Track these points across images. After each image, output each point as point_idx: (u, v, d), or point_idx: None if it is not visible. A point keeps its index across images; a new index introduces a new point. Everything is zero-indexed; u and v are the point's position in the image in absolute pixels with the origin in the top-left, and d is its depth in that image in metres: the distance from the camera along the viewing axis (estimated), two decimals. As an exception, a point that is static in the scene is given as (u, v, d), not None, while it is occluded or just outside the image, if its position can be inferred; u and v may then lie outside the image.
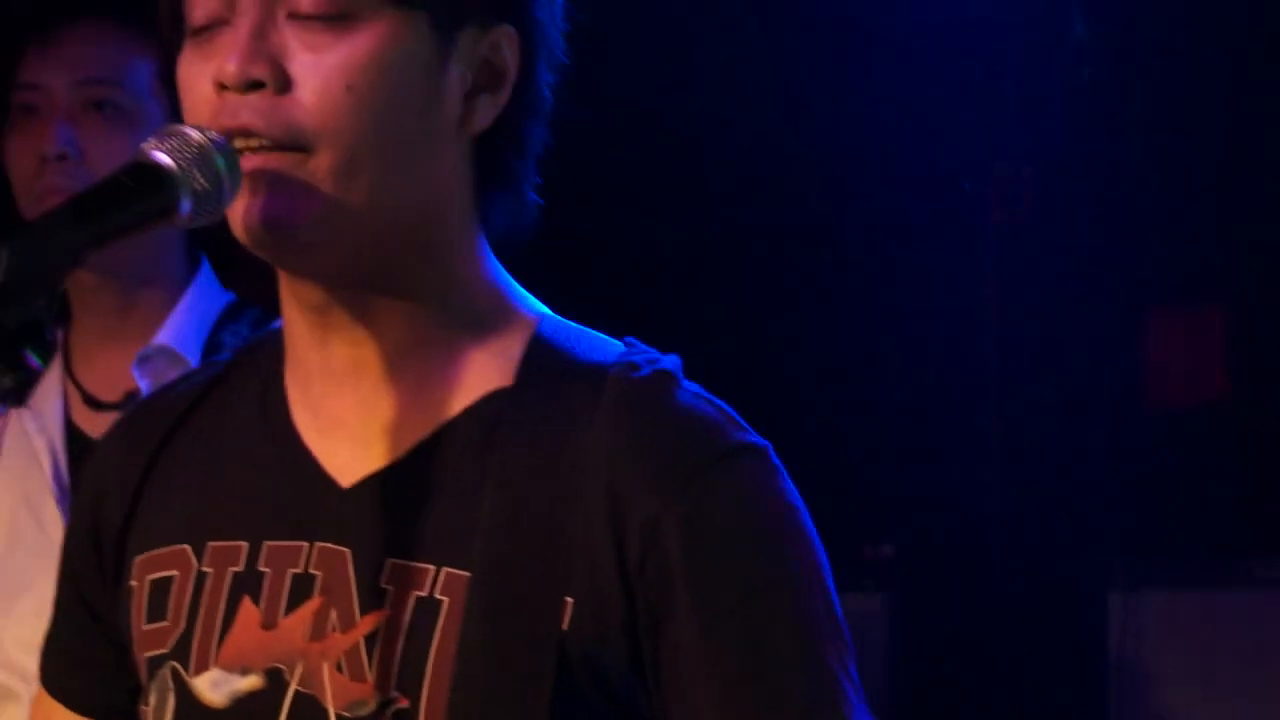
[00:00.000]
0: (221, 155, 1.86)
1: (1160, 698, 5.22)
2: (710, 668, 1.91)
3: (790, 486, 1.99)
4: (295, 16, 1.91)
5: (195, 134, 1.86)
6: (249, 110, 1.89)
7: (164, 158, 1.83)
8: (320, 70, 1.91)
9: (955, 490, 5.85)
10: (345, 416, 2.03)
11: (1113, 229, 5.74)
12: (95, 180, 3.22)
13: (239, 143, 1.89)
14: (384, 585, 1.97)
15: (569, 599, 1.91)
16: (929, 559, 5.67)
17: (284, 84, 1.91)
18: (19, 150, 3.46)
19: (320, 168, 1.92)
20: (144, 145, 1.85)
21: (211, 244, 3.58)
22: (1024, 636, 5.67)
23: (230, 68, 1.89)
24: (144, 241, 3.31)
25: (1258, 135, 5.58)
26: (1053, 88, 5.75)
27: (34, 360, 1.71)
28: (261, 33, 1.91)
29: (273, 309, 2.23)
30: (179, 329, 3.51)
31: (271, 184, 1.90)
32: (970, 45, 5.75)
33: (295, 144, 1.91)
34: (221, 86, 1.90)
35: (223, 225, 1.98)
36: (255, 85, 1.89)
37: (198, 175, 1.84)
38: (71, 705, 2.22)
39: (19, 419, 3.56)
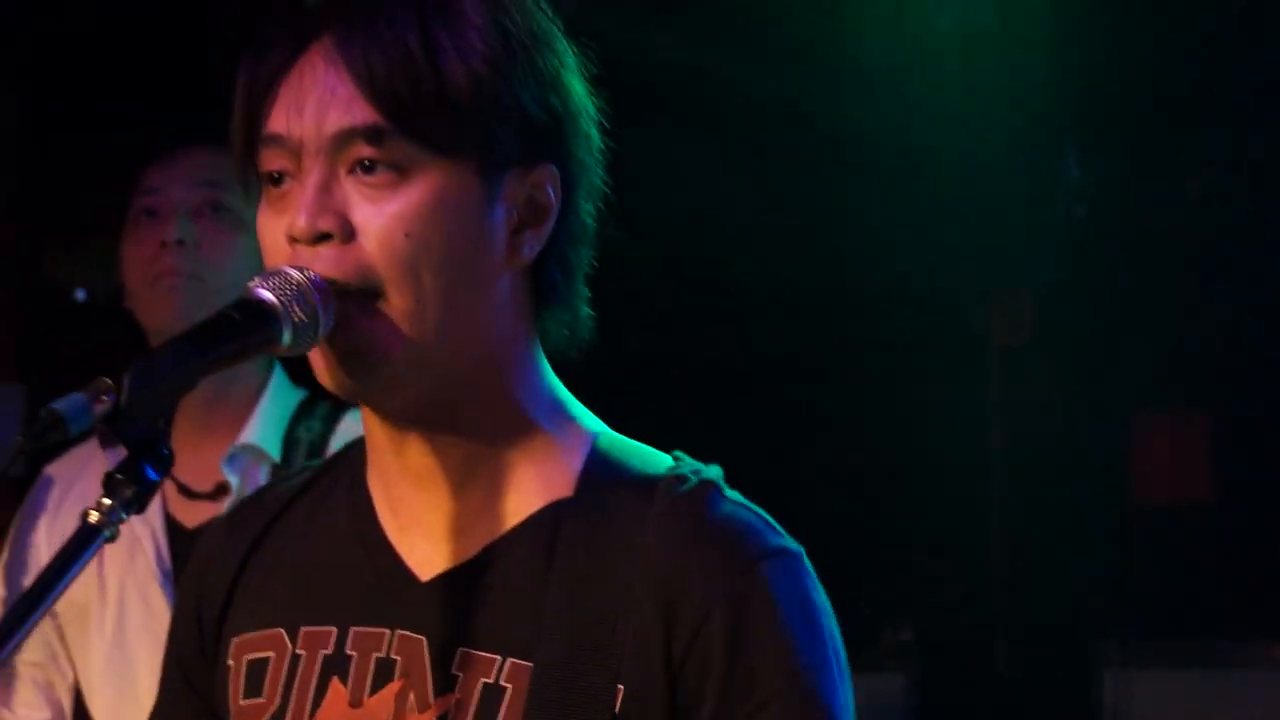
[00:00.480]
0: (317, 292, 1.86)
1: None
2: None
3: (818, 588, 1.98)
4: (355, 171, 1.89)
5: (295, 273, 1.86)
6: (320, 261, 1.88)
7: (268, 295, 1.84)
8: (381, 220, 1.88)
9: (965, 582, 5.99)
10: (423, 517, 2.02)
11: (1105, 346, 5.85)
12: (206, 267, 3.39)
13: None
14: (455, 672, 1.96)
15: (620, 686, 1.90)
16: (942, 643, 5.72)
17: (349, 234, 1.89)
18: (140, 240, 3.51)
19: (393, 310, 1.90)
20: (250, 284, 1.86)
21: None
22: (1027, 711, 5.79)
23: (300, 223, 1.88)
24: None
25: (1235, 261, 5.70)
26: (1050, 222, 5.88)
27: (153, 473, 1.74)
28: (326, 188, 1.90)
29: (341, 401, 2.32)
30: (261, 427, 3.53)
31: (348, 330, 1.90)
32: (977, 184, 5.85)
33: (365, 287, 1.89)
34: (293, 240, 1.90)
35: None
36: (323, 237, 1.88)
37: (297, 310, 1.84)
38: None
39: None
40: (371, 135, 1.88)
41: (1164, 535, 5.80)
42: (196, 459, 3.52)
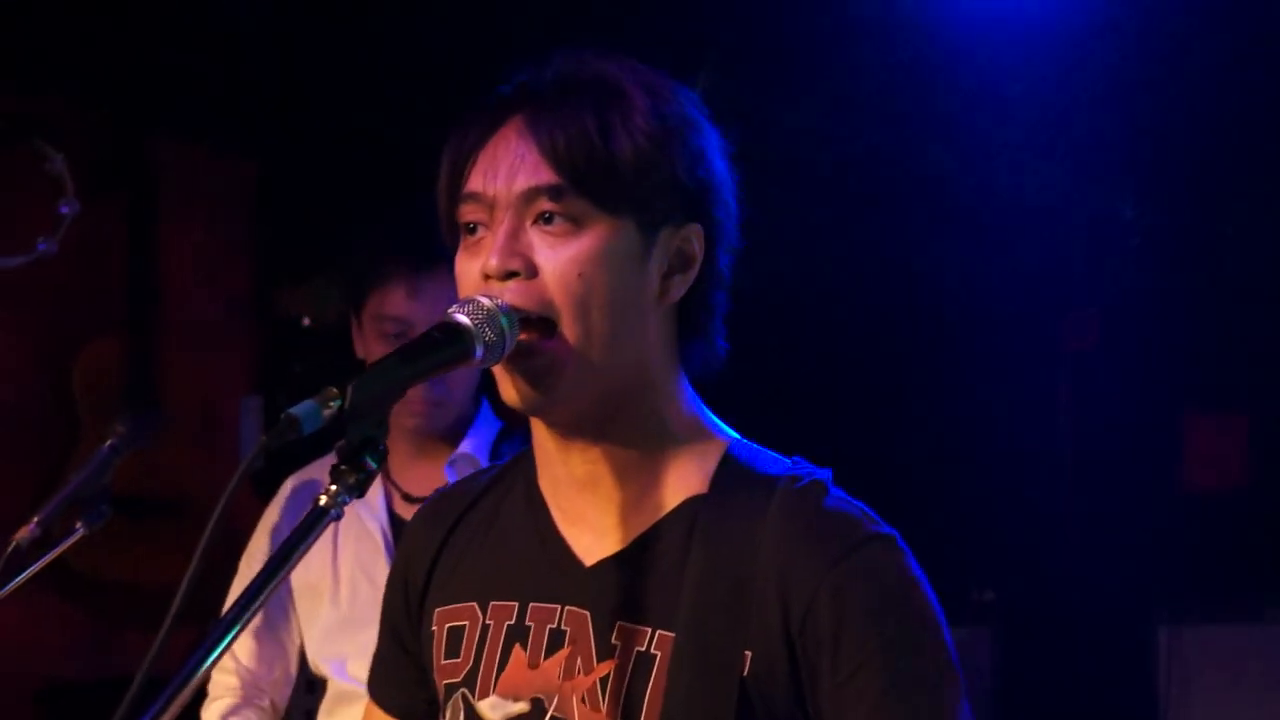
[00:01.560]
0: (504, 316, 1.92)
1: (1197, 712, 5.18)
2: (856, 705, 1.94)
3: (914, 564, 2.02)
4: (538, 222, 1.96)
5: (486, 301, 1.93)
6: (509, 294, 1.94)
7: (464, 318, 1.90)
8: (558, 262, 1.95)
9: (1042, 550, 5.99)
10: (586, 513, 2.08)
11: (1161, 355, 5.86)
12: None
13: None
14: (614, 641, 2.02)
15: (748, 652, 1.95)
16: (1021, 602, 5.68)
17: (532, 272, 1.95)
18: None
19: (566, 335, 1.96)
20: (449, 310, 1.92)
21: (490, 387, 3.67)
22: (1093, 661, 5.76)
23: (493, 262, 1.95)
24: (459, 390, 3.59)
25: (1269, 287, 5.69)
26: (1111, 251, 5.89)
27: (371, 464, 1.77)
28: (514, 235, 1.96)
29: (529, 433, 2.37)
30: (475, 443, 3.64)
31: (530, 353, 1.96)
32: (1051, 222, 5.89)
33: (544, 316, 1.95)
34: (486, 276, 1.96)
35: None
36: (511, 274, 1.95)
37: (488, 330, 1.90)
38: (386, 708, 2.31)
39: (354, 509, 3.52)
40: (553, 192, 1.95)
41: (1208, 515, 5.78)
42: (417, 471, 3.68)
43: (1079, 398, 6.04)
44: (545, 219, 1.97)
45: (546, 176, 1.96)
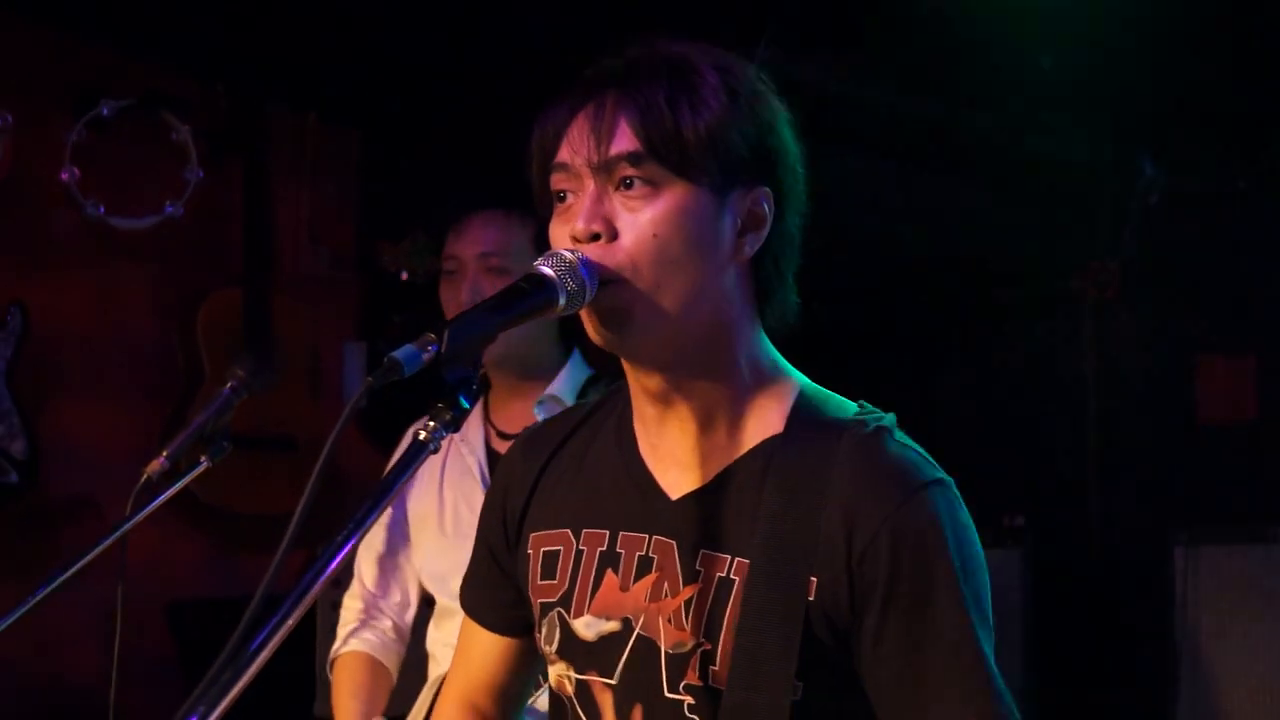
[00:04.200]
0: (584, 267, 1.92)
1: (1210, 624, 5.09)
2: (894, 639, 1.94)
3: (964, 510, 2.00)
4: (619, 188, 1.97)
5: (569, 255, 1.93)
6: (592, 252, 1.95)
7: (548, 270, 1.91)
8: (636, 225, 1.96)
9: (1069, 480, 6.01)
10: (673, 451, 2.08)
11: (1174, 301, 5.85)
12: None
13: None
14: (698, 568, 2.02)
15: (814, 579, 1.95)
16: (1050, 527, 5.64)
17: (613, 234, 1.96)
18: (446, 298, 3.59)
19: (640, 288, 1.96)
20: (535, 263, 1.93)
21: (583, 338, 3.65)
22: (1116, 580, 5.80)
23: (579, 226, 1.96)
24: (530, 338, 3.54)
25: (1274, 238, 5.65)
26: (1131, 208, 5.83)
27: (464, 403, 1.75)
28: (598, 200, 1.97)
29: (616, 378, 2.35)
30: (563, 386, 3.60)
31: (608, 299, 1.96)
32: (1076, 181, 5.87)
33: (622, 270, 1.96)
34: (574, 239, 1.97)
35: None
36: (595, 236, 1.95)
37: (569, 280, 1.90)
38: (482, 624, 2.34)
39: (456, 445, 3.66)
40: (632, 159, 1.95)
41: (1219, 446, 5.73)
42: (510, 410, 3.66)
43: (1101, 341, 5.99)
44: (626, 184, 1.97)
45: (626, 145, 1.96)
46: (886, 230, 5.75)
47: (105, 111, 5.35)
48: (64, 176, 5.30)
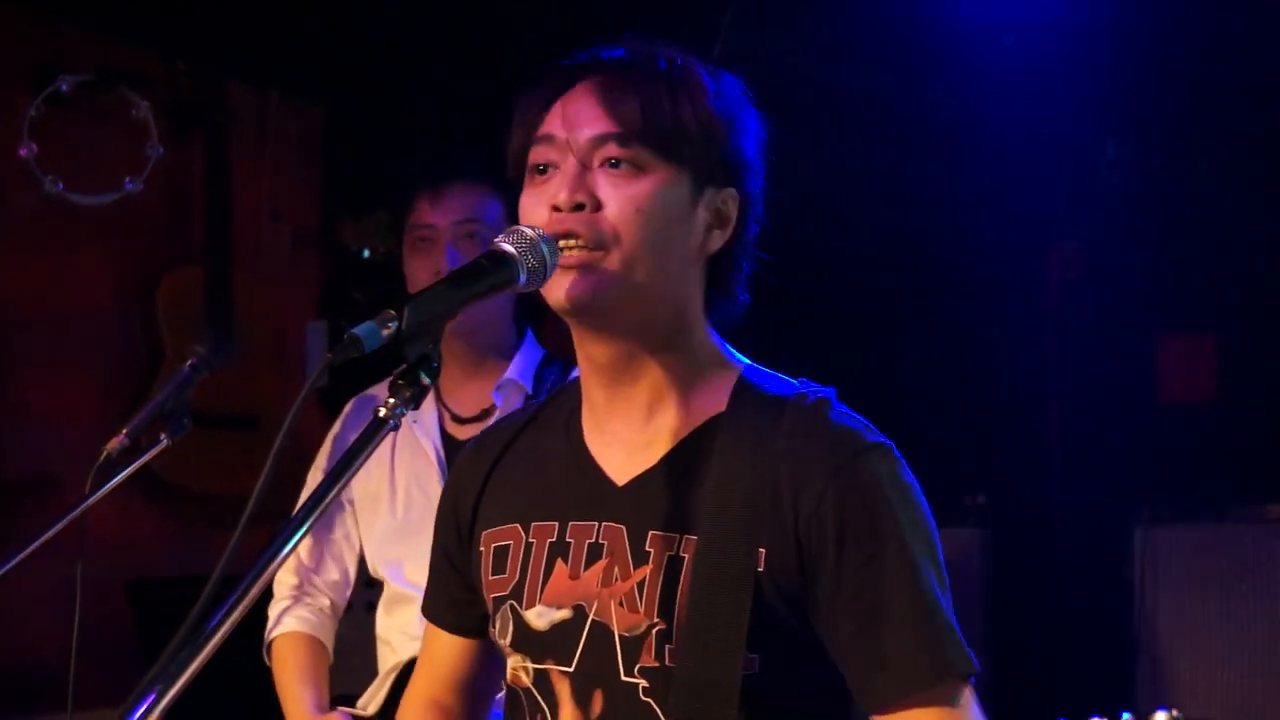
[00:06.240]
0: (545, 244, 1.94)
1: (1168, 602, 5.03)
2: (850, 595, 1.97)
3: (908, 472, 2.05)
4: (605, 166, 2.02)
5: (529, 231, 1.95)
6: (573, 221, 1.99)
7: (508, 246, 1.92)
8: (620, 198, 2.00)
9: (1028, 459, 6.00)
10: (620, 434, 2.13)
11: (1136, 282, 5.85)
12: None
13: (563, 242, 1.98)
14: (647, 549, 2.05)
15: (762, 549, 1.99)
16: (1010, 506, 5.58)
17: (596, 206, 2.00)
18: (419, 268, 3.57)
19: (615, 260, 2.00)
20: (495, 240, 1.93)
21: (534, 320, 3.68)
22: (1075, 560, 5.78)
23: (563, 195, 2.00)
24: (491, 317, 3.55)
25: (1241, 218, 5.64)
26: (1093, 189, 5.86)
27: (426, 379, 1.75)
28: (583, 173, 2.02)
29: (569, 360, 2.35)
30: (519, 369, 3.60)
31: (584, 270, 1.99)
32: (1039, 161, 5.83)
33: (600, 245, 2.00)
34: (555, 208, 2.00)
35: (543, 309, 2.09)
36: (578, 206, 1.99)
37: (530, 257, 1.92)
38: (442, 627, 2.37)
39: (408, 426, 3.61)
40: (621, 139, 2.01)
41: (1180, 425, 5.76)
42: (465, 392, 3.65)
43: (1063, 321, 6.01)
44: (613, 164, 2.02)
45: (618, 126, 2.02)
46: (847, 209, 5.77)
47: (64, 87, 5.29)
48: (22, 152, 5.25)
